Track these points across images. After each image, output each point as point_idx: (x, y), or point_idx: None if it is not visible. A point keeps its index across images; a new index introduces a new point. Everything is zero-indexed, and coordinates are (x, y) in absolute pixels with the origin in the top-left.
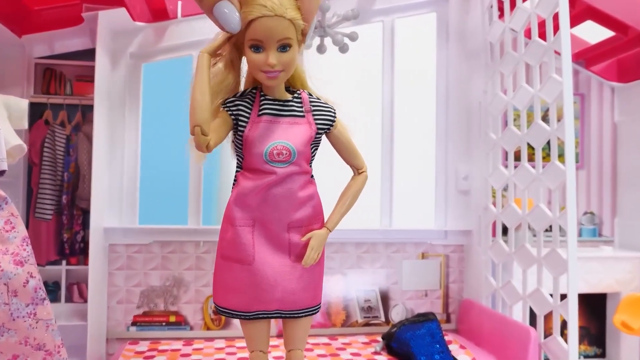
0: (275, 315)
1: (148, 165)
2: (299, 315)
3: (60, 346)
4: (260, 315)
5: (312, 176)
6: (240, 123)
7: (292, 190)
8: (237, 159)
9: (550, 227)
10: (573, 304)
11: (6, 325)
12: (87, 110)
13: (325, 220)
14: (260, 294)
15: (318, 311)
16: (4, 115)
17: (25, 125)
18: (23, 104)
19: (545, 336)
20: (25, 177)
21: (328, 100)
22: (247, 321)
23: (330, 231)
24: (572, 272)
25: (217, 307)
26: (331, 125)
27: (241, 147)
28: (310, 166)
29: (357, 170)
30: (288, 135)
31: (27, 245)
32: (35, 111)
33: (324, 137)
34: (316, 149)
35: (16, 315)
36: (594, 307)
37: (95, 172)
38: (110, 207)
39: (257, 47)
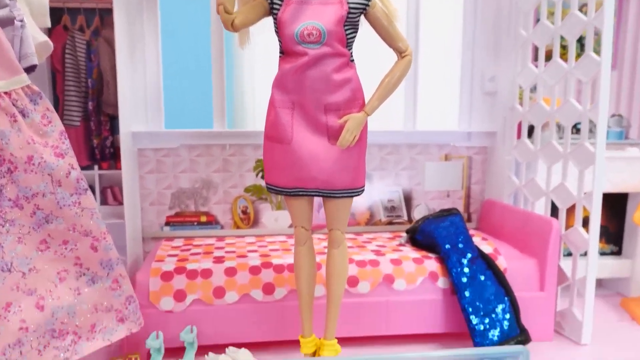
0: (314, 193)
1: (170, 69)
2: (337, 195)
3: (105, 233)
4: (300, 193)
5: (352, 60)
6: (274, 6)
7: (326, 72)
8: (279, 44)
9: (577, 129)
10: (598, 194)
11: (54, 213)
12: (105, 14)
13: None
14: (297, 172)
15: (359, 194)
16: (26, 11)
17: (48, 23)
18: (43, 0)
19: (566, 229)
20: (50, 85)
21: None
22: (289, 198)
23: (368, 115)
24: (599, 163)
25: (266, 184)
26: (367, 5)
27: (277, 30)
28: (349, 49)
29: (400, 53)
30: (318, 15)
31: (65, 139)
32: (52, 17)
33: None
34: (353, 32)
35: (62, 203)
36: (614, 206)
37: (120, 77)
38: (136, 112)
39: None
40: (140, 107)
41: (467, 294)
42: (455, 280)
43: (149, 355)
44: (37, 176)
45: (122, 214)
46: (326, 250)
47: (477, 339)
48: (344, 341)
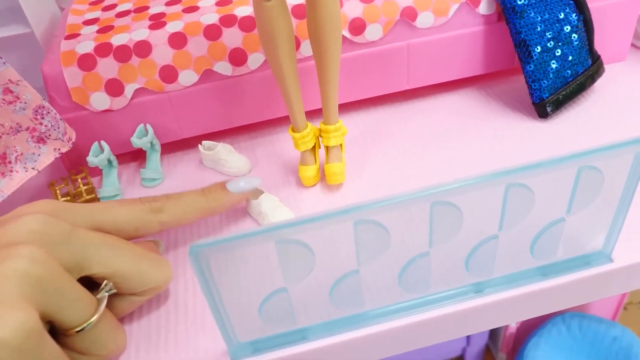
0: None
1: None
2: None
3: None
4: None
5: None
6: None
7: None
8: None
9: None
10: None
11: None
12: None
13: None
14: None
15: None
16: None
17: None
18: None
19: None
20: None
21: None
22: None
23: None
24: None
25: None
26: None
27: None
28: None
29: None
30: None
31: None
32: None
33: None
34: None
35: None
36: None
37: None
38: None
39: None
40: None
41: (522, 21)
42: (508, 3)
43: (101, 169)
44: None
45: None
46: None
47: (535, 85)
48: (349, 108)
